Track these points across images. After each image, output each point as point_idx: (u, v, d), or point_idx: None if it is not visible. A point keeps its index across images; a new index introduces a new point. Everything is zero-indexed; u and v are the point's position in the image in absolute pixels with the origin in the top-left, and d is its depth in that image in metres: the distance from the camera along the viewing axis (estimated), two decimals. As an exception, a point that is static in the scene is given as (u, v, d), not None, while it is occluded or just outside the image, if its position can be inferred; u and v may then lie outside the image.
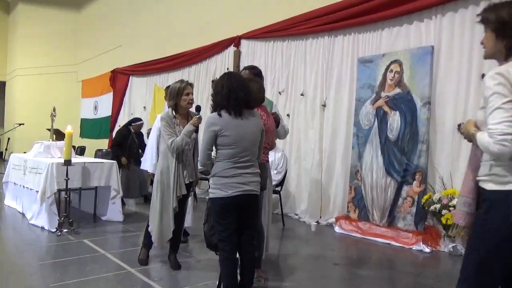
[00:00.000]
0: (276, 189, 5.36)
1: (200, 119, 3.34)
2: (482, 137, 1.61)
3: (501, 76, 1.58)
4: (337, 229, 5.13)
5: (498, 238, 1.62)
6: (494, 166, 1.65)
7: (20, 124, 9.82)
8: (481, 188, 1.71)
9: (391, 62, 4.88)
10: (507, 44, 1.68)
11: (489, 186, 1.67)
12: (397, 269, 3.79)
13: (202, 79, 8.17)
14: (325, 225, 5.45)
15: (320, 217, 5.62)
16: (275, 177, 5.28)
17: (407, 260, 4.05)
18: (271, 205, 3.35)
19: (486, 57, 1.80)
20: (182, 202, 3.45)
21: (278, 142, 5.81)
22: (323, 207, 5.64)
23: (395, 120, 4.79)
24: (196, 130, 3.36)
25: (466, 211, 1.82)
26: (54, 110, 5.98)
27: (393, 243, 4.48)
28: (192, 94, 3.42)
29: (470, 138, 1.75)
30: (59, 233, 4.53)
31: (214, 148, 2.67)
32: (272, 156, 5.24)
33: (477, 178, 1.73)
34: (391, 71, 4.88)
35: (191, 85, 3.46)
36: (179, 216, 3.49)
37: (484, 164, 1.70)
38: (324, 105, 5.73)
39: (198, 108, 3.46)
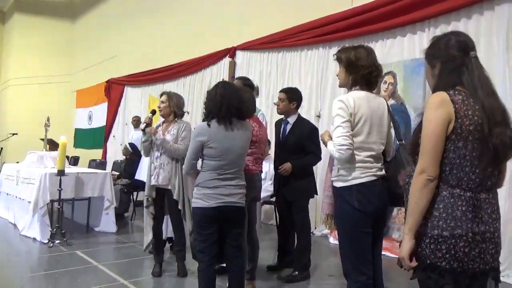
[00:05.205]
0: (272, 199, 5.34)
1: (147, 118, 3.63)
2: (329, 145, 2.18)
3: (342, 102, 2.15)
4: (332, 240, 5.11)
5: (350, 219, 2.16)
6: (340, 169, 2.20)
7: (13, 134, 9.76)
8: (333, 186, 2.26)
9: (385, 74, 4.92)
10: (352, 78, 2.24)
11: (338, 184, 2.20)
12: (392, 281, 3.77)
13: (197, 89, 8.18)
14: (320, 236, 5.43)
15: (315, 227, 5.61)
16: (270, 187, 5.26)
17: (402, 271, 4.03)
18: (260, 216, 3.37)
19: (340, 86, 2.38)
20: (160, 207, 3.61)
21: (273, 152, 5.81)
22: (318, 217, 5.63)
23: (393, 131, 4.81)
24: (145, 129, 3.55)
25: (328, 202, 2.37)
26: (48, 120, 5.96)
27: (388, 254, 4.47)
28: (163, 102, 3.64)
29: (325, 144, 2.28)
30: (51, 244, 4.48)
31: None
32: (267, 166, 5.23)
33: (331, 179, 2.28)
34: (385, 82, 4.92)
35: (164, 93, 3.72)
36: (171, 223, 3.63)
37: (334, 168, 2.26)
38: (318, 116, 5.75)
39: (153, 112, 3.79)
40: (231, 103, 2.57)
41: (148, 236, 3.63)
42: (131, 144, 6.88)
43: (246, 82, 3.52)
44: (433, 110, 1.51)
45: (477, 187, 1.51)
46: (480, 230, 1.48)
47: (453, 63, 1.58)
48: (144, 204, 3.59)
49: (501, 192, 3.75)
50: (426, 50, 1.70)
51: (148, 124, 3.62)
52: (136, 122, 8.32)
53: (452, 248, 1.47)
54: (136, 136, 7.87)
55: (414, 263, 1.55)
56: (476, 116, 1.49)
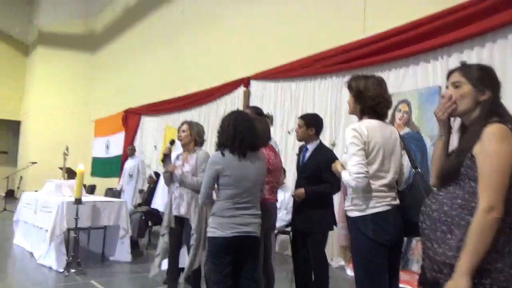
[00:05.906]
0: (287, 229, 5.28)
1: (166, 149, 3.71)
2: (344, 175, 2.18)
3: (355, 131, 2.16)
4: (349, 272, 4.99)
5: (366, 250, 2.13)
6: (354, 199, 2.19)
7: (33, 163, 9.97)
8: (348, 216, 2.23)
9: (399, 102, 4.93)
10: (361, 107, 2.27)
11: (353, 214, 2.19)
12: (412, 314, 3.65)
13: (213, 119, 8.30)
14: (337, 268, 5.31)
15: (332, 259, 5.49)
16: (285, 217, 5.22)
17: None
18: (275, 246, 3.32)
19: (350, 113, 2.40)
20: (178, 236, 3.61)
21: (288, 180, 5.79)
22: (335, 249, 5.52)
23: (405, 159, 4.76)
24: (165, 159, 3.67)
25: (344, 233, 2.43)
26: (67, 149, 6.08)
27: (408, 287, 4.34)
28: (184, 130, 3.69)
29: (338, 174, 2.27)
30: (67, 274, 4.48)
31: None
32: (282, 195, 5.21)
33: (345, 209, 2.26)
34: (399, 110, 4.91)
35: (185, 123, 3.78)
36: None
37: (348, 198, 2.24)
38: (333, 145, 5.74)
39: (172, 142, 3.86)
40: (244, 136, 2.59)
41: (155, 263, 3.67)
42: (156, 173, 6.91)
43: (258, 111, 3.55)
44: (499, 144, 1.48)
45: None
46: (510, 262, 1.47)
47: (498, 95, 1.63)
48: (161, 233, 3.61)
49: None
50: (472, 71, 1.67)
51: (167, 155, 3.66)
52: (131, 151, 8.51)
53: (495, 283, 1.45)
54: (131, 164, 7.98)
55: None
56: None
